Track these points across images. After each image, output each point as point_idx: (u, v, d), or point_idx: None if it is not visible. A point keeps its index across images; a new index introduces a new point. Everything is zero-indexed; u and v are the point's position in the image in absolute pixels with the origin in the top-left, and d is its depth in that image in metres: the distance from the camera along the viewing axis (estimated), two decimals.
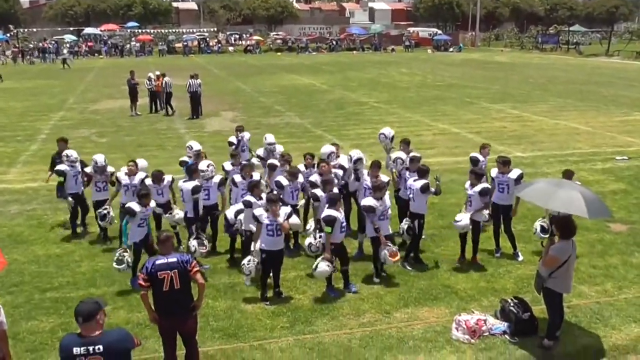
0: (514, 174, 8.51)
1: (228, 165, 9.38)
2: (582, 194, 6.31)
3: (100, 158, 9.21)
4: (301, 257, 8.62)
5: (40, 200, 11.55)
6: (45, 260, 8.64)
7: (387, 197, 7.78)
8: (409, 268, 8.21)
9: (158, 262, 5.38)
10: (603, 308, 7.11)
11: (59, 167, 9.46)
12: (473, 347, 6.28)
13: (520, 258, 8.53)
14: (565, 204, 6.27)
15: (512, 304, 6.71)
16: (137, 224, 7.60)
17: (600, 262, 8.44)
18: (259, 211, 7.26)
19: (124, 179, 8.84)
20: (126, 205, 7.80)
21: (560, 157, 14.42)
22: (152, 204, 7.98)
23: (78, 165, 9.55)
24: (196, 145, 9.85)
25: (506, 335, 6.49)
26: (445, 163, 13.70)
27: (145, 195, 7.74)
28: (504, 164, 8.59)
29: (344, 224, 7.55)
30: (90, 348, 4.05)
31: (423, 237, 8.74)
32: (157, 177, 8.72)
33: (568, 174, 8.38)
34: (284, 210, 7.31)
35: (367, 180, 8.62)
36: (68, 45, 50.83)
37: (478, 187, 8.12)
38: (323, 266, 7.19)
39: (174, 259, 5.40)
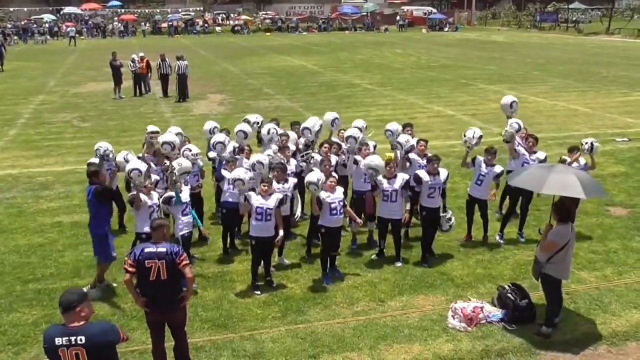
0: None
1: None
2: (576, 175, 6.21)
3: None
4: (293, 244, 8.42)
5: (20, 188, 11.25)
6: (27, 250, 8.39)
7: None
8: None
9: (147, 249, 5.18)
10: (602, 294, 7.01)
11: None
12: (470, 335, 6.18)
13: (523, 239, 8.56)
14: (560, 186, 6.13)
15: (509, 291, 6.61)
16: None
17: (600, 247, 8.32)
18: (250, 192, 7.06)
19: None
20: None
21: (558, 139, 14.23)
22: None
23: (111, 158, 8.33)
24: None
25: (503, 323, 6.38)
26: (440, 147, 13.46)
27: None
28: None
29: (338, 207, 7.24)
30: (72, 339, 3.94)
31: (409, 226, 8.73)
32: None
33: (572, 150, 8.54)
34: (276, 195, 7.09)
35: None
36: (71, 24, 50.59)
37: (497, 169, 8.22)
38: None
39: (164, 249, 5.18)
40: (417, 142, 8.71)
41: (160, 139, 8.23)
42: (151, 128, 8.99)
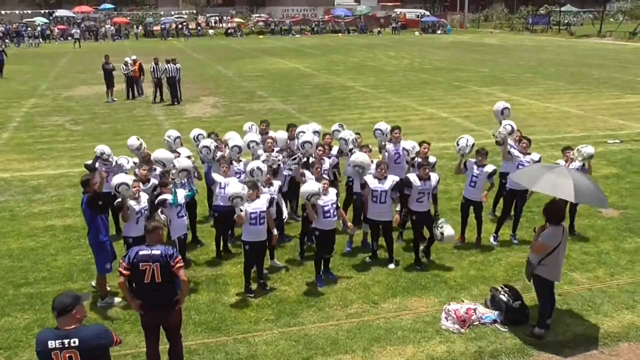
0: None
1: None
2: (574, 180, 6.09)
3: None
4: (288, 247, 8.41)
5: (12, 191, 11.18)
6: (19, 254, 8.35)
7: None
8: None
9: (141, 252, 5.16)
10: (595, 295, 7.03)
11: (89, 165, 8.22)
12: (463, 337, 6.18)
13: (516, 241, 8.58)
14: (551, 186, 6.12)
15: (502, 292, 6.62)
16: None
17: (592, 249, 8.35)
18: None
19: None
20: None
21: (551, 141, 14.28)
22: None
23: (113, 162, 8.23)
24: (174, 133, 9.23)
25: (497, 324, 6.39)
26: (433, 148, 13.45)
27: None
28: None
29: (331, 210, 7.23)
30: (66, 342, 3.93)
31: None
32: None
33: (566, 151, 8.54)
34: (265, 196, 7.09)
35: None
36: (76, 27, 51.35)
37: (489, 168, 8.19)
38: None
39: (158, 252, 5.16)
40: (420, 144, 8.71)
41: (154, 155, 7.88)
42: (132, 143, 8.62)
